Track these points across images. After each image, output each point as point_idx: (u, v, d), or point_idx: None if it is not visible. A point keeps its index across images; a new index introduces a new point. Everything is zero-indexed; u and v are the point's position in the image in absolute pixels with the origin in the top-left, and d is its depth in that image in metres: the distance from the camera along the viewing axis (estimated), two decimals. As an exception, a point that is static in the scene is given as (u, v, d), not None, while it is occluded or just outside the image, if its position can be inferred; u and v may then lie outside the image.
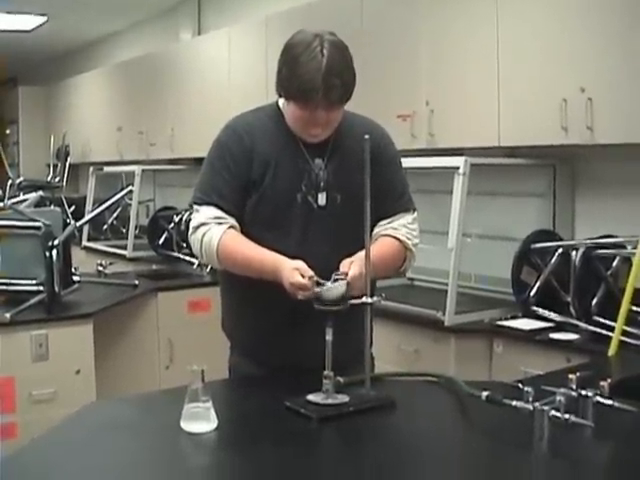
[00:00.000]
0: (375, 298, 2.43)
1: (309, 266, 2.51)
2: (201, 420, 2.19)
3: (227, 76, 6.74)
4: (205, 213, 2.72)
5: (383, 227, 2.82)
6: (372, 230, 2.72)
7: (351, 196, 2.69)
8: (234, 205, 2.71)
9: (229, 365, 2.95)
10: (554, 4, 4.09)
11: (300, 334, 2.66)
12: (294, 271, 2.47)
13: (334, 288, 2.42)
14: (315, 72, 2.54)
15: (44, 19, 9.28)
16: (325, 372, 2.37)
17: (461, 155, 4.23)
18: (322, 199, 2.71)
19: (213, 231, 2.68)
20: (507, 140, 4.35)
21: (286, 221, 2.70)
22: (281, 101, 2.79)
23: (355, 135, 2.69)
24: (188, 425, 2.19)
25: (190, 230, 2.78)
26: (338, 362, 2.44)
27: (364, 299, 2.42)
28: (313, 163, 2.72)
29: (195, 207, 2.77)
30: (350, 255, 2.57)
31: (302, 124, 2.69)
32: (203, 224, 2.71)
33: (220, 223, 2.68)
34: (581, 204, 4.56)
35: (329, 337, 2.38)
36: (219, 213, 2.70)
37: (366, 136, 2.45)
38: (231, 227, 2.69)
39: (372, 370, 2.74)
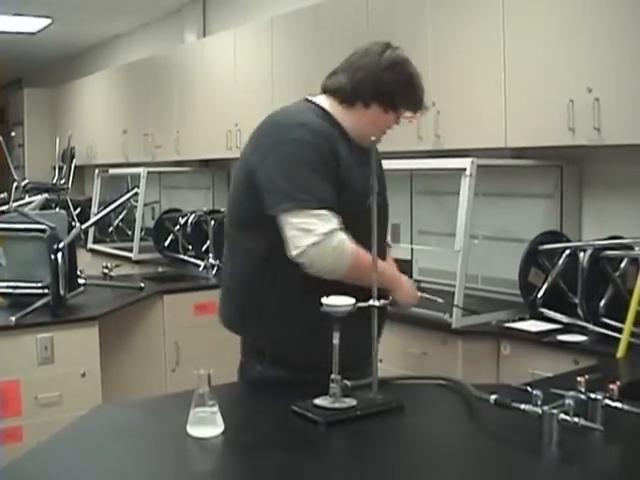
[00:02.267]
0: (382, 301, 2.42)
1: None
2: (207, 424, 2.18)
3: (233, 78, 6.74)
4: (331, 219, 2.61)
5: None
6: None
7: (385, 204, 2.96)
8: (336, 207, 2.66)
9: (251, 374, 2.87)
10: (560, 5, 4.07)
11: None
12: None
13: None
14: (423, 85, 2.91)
15: (49, 21, 9.30)
16: (332, 376, 2.35)
17: (468, 156, 4.22)
18: (377, 202, 2.69)
19: (343, 236, 2.63)
20: (514, 141, 4.34)
21: (359, 225, 2.61)
22: (323, 101, 2.85)
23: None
24: (195, 430, 2.17)
25: (318, 237, 2.58)
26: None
27: (371, 302, 2.40)
28: (370, 164, 2.69)
29: (310, 211, 2.60)
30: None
31: (378, 130, 2.86)
32: (337, 230, 2.61)
33: (342, 229, 2.64)
34: (588, 205, 4.55)
35: (336, 341, 2.36)
36: (337, 217, 2.63)
37: (372, 138, 2.52)
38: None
39: None
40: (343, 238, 2.62)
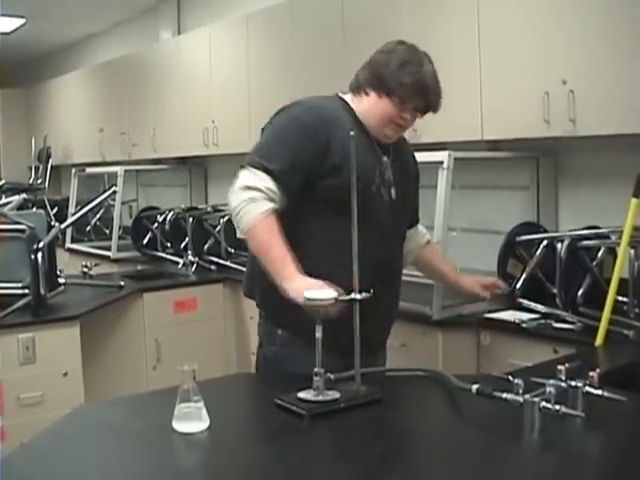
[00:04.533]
0: (364, 294, 2.43)
1: (378, 255, 2.83)
2: (193, 420, 2.19)
3: (208, 75, 6.73)
4: (261, 179, 2.72)
5: (421, 235, 3.39)
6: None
7: (406, 199, 3.03)
8: (290, 184, 2.75)
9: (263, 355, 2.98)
10: (534, -3, 4.10)
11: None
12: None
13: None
14: (424, 77, 2.85)
15: (22, 21, 9.25)
16: (315, 369, 2.37)
17: (444, 149, 4.24)
18: (393, 193, 2.90)
19: (259, 204, 2.70)
20: (490, 134, 4.37)
21: (363, 209, 2.63)
22: (348, 97, 2.99)
23: (404, 146, 3.14)
24: (180, 425, 2.19)
25: (237, 185, 2.74)
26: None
27: (352, 295, 2.42)
28: (382, 158, 2.90)
29: (251, 169, 2.75)
30: (401, 251, 3.07)
31: (386, 122, 2.88)
32: (255, 189, 2.71)
33: (270, 199, 2.71)
34: (565, 196, 4.58)
35: (319, 334, 2.38)
36: (273, 187, 2.72)
37: (352, 133, 2.51)
38: (275, 211, 2.72)
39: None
40: (257, 203, 2.69)
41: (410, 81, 2.84)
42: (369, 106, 2.91)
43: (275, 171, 2.73)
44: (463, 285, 3.46)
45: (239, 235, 2.83)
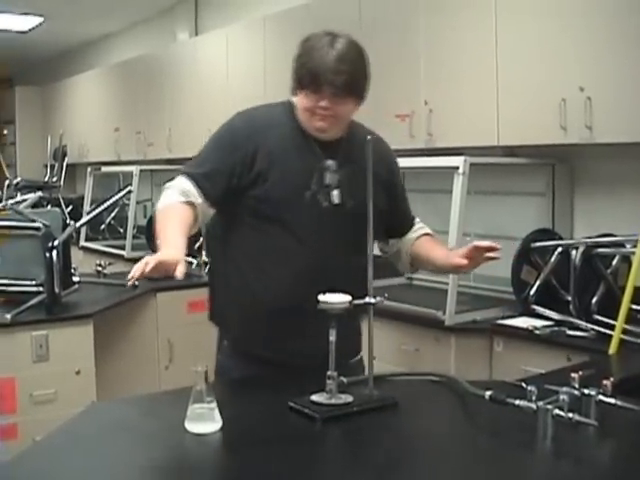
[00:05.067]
0: (378, 298, 2.43)
1: (308, 265, 2.68)
2: (206, 421, 2.19)
3: (225, 76, 6.74)
4: (178, 182, 2.72)
5: (412, 235, 3.05)
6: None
7: (361, 204, 2.66)
8: (211, 189, 2.70)
9: (217, 366, 2.95)
10: (552, 4, 4.09)
11: (305, 330, 2.68)
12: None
13: None
14: (325, 56, 2.64)
15: (41, 20, 9.29)
16: (329, 372, 2.37)
17: (460, 155, 4.24)
18: (333, 199, 2.72)
19: (169, 197, 2.69)
20: (506, 139, 4.36)
21: (292, 217, 2.70)
22: (295, 99, 2.82)
23: (363, 145, 2.75)
24: (193, 426, 2.19)
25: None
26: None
27: (367, 299, 2.42)
28: (325, 162, 2.72)
29: (178, 177, 2.75)
30: (348, 262, 2.71)
31: (308, 115, 2.73)
32: (171, 187, 2.72)
33: (183, 194, 2.68)
34: (580, 203, 4.57)
35: (332, 338, 2.38)
36: (190, 187, 2.69)
37: (369, 137, 2.48)
38: (189, 203, 2.67)
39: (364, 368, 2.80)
40: (169, 196, 2.69)
41: (308, 67, 2.67)
42: (297, 103, 2.80)
43: (196, 175, 2.71)
44: (446, 263, 2.94)
45: None
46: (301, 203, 2.68)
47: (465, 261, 2.78)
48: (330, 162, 2.72)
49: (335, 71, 2.62)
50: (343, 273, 2.70)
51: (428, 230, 3.09)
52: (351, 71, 2.67)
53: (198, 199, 2.68)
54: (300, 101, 2.74)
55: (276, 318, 2.71)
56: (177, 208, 2.66)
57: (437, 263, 2.96)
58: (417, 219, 3.12)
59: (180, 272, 2.39)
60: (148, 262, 2.34)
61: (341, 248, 2.75)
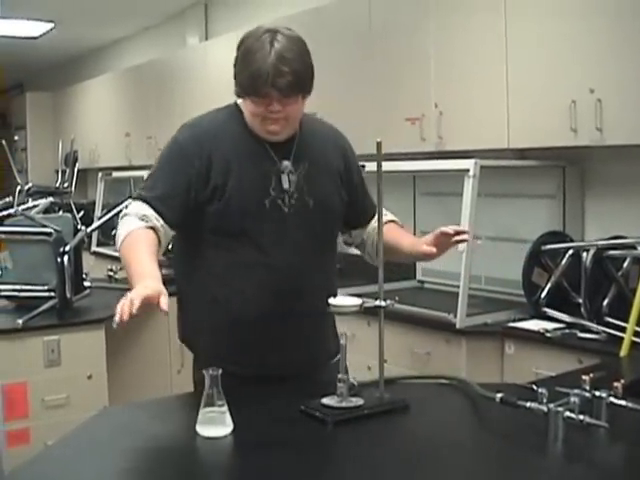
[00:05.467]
0: (389, 301, 2.43)
1: (276, 273, 2.63)
2: (217, 424, 2.20)
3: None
4: (135, 207, 2.60)
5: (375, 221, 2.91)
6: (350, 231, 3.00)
7: (322, 201, 2.74)
8: (171, 207, 2.60)
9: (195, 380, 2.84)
10: (562, 6, 4.08)
11: (269, 340, 2.68)
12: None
13: None
14: (263, 60, 2.51)
15: (51, 25, 9.32)
16: (339, 375, 2.37)
17: (470, 157, 4.24)
18: (295, 202, 2.67)
19: (128, 224, 2.56)
20: (516, 142, 4.36)
21: (255, 228, 2.63)
22: (240, 100, 2.73)
23: (317, 141, 2.79)
24: (204, 429, 2.19)
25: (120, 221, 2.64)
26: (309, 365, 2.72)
27: (377, 302, 2.42)
28: (281, 165, 2.67)
29: (133, 202, 2.64)
30: (316, 262, 2.71)
31: (259, 120, 2.62)
32: (125, 215, 2.60)
33: (142, 220, 2.55)
34: (591, 205, 4.56)
35: (343, 341, 2.39)
36: (148, 212, 2.57)
37: (378, 139, 2.41)
38: (151, 228, 2.55)
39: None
40: (128, 223, 2.56)
41: (248, 73, 2.54)
42: (244, 107, 2.69)
43: (151, 198, 2.59)
44: (413, 250, 2.87)
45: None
46: (262, 212, 2.63)
47: (434, 249, 2.75)
48: (286, 163, 2.68)
49: (277, 73, 2.51)
50: (312, 274, 2.70)
51: (393, 217, 3.00)
52: (294, 70, 2.54)
53: (158, 222, 2.57)
54: (247, 106, 2.64)
55: (251, 332, 2.66)
56: (140, 235, 2.53)
57: (404, 250, 2.88)
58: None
59: (164, 304, 2.25)
60: (133, 300, 2.21)
61: (307, 249, 2.70)
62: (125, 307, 2.20)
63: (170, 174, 2.64)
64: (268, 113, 2.58)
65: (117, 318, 2.21)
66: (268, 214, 2.64)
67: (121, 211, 2.72)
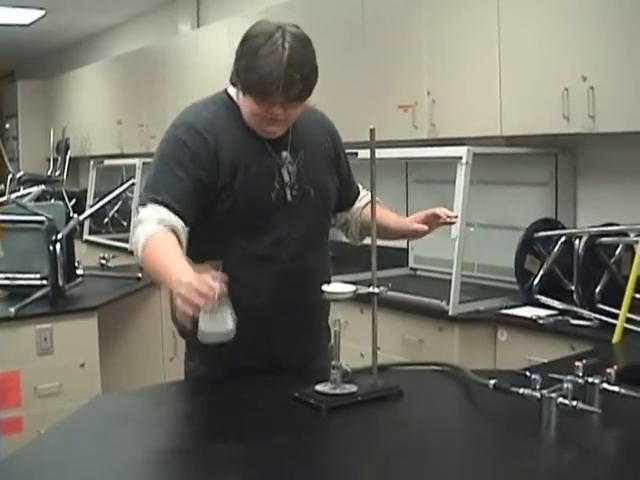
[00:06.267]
0: (382, 288, 2.43)
1: (286, 268, 2.62)
2: (218, 322, 2.23)
3: (227, 68, 6.62)
4: (150, 212, 2.50)
5: (359, 200, 2.99)
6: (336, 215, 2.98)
7: (321, 188, 2.75)
8: (187, 207, 2.53)
9: (186, 370, 2.84)
10: (555, -7, 4.09)
11: (272, 331, 2.68)
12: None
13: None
14: (276, 65, 2.44)
15: (42, 13, 9.28)
16: (333, 362, 2.37)
17: (463, 145, 4.24)
18: (296, 193, 2.67)
19: (142, 233, 2.46)
20: (509, 129, 4.36)
21: (263, 222, 2.62)
22: (233, 91, 2.69)
23: (308, 126, 2.78)
24: (207, 326, 2.22)
25: (132, 227, 2.56)
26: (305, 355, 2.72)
27: (371, 289, 2.42)
28: (280, 157, 2.66)
29: (142, 208, 2.53)
30: (318, 248, 2.73)
31: (258, 120, 2.59)
32: (140, 222, 2.49)
33: (160, 223, 2.47)
34: (583, 192, 4.57)
35: (337, 328, 2.39)
36: (165, 214, 2.49)
37: (371, 126, 2.41)
38: (171, 230, 2.48)
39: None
40: (144, 230, 2.46)
41: (258, 76, 2.47)
42: (241, 102, 2.63)
43: (168, 200, 2.51)
44: (403, 228, 2.89)
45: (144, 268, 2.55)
46: (269, 206, 2.62)
47: (426, 227, 2.77)
48: (285, 154, 2.67)
49: (290, 81, 2.46)
50: (315, 262, 2.72)
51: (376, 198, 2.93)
52: (305, 76, 2.50)
53: (178, 223, 2.50)
54: (247, 104, 2.58)
55: (261, 324, 2.63)
56: (162, 237, 2.46)
57: (390, 227, 2.88)
58: (360, 186, 3.03)
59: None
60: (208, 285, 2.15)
61: (311, 238, 2.71)
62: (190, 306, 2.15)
63: (179, 174, 2.55)
64: (268, 114, 2.55)
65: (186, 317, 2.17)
66: (275, 207, 2.63)
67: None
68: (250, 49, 2.50)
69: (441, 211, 2.75)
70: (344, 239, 3.12)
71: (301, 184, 2.68)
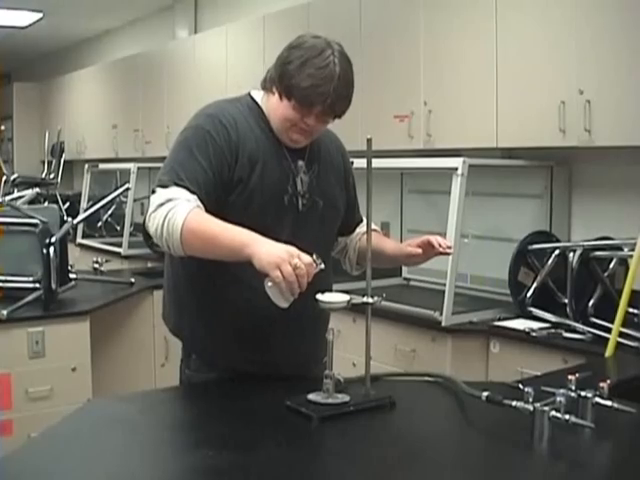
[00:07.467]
0: (376, 298, 2.43)
1: None
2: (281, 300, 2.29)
3: (224, 74, 6.73)
4: (177, 192, 2.47)
5: (362, 229, 2.96)
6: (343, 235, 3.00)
7: (330, 202, 2.78)
8: (207, 195, 2.51)
9: (182, 376, 2.83)
10: (553, 6, 4.09)
11: (275, 337, 2.68)
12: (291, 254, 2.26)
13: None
14: (328, 79, 2.49)
15: (39, 15, 9.28)
16: (326, 372, 2.37)
17: (458, 156, 4.24)
18: (307, 202, 2.69)
19: (180, 207, 2.41)
20: (505, 141, 4.37)
21: (274, 223, 2.61)
22: (258, 95, 2.73)
23: (324, 142, 2.82)
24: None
25: (151, 208, 2.47)
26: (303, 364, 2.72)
27: (365, 299, 2.42)
28: (296, 165, 2.69)
29: (161, 190, 2.49)
30: (325, 262, 2.57)
31: (289, 126, 2.62)
32: (170, 200, 2.44)
33: (189, 201, 2.44)
34: (578, 206, 4.58)
35: (330, 337, 2.38)
36: (189, 195, 2.46)
37: (368, 136, 2.43)
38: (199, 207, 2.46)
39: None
40: (178, 208, 2.41)
41: (308, 84, 2.50)
42: (273, 106, 2.64)
43: (192, 185, 2.50)
44: (397, 253, 2.92)
45: (174, 254, 2.48)
46: (281, 209, 2.64)
47: (419, 250, 2.78)
48: (300, 163, 2.70)
49: (336, 96, 2.52)
50: (321, 274, 2.65)
51: (374, 226, 2.88)
52: (349, 96, 2.58)
53: (201, 208, 2.48)
54: (282, 109, 2.60)
55: (262, 330, 2.65)
56: (204, 215, 2.44)
57: (387, 252, 2.89)
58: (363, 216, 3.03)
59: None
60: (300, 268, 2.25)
61: (318, 247, 2.59)
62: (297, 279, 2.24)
63: (201, 162, 2.55)
64: (301, 123, 2.59)
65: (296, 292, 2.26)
66: (286, 212, 2.65)
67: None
68: (301, 57, 2.53)
69: (436, 240, 2.77)
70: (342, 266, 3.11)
71: (312, 194, 2.70)
